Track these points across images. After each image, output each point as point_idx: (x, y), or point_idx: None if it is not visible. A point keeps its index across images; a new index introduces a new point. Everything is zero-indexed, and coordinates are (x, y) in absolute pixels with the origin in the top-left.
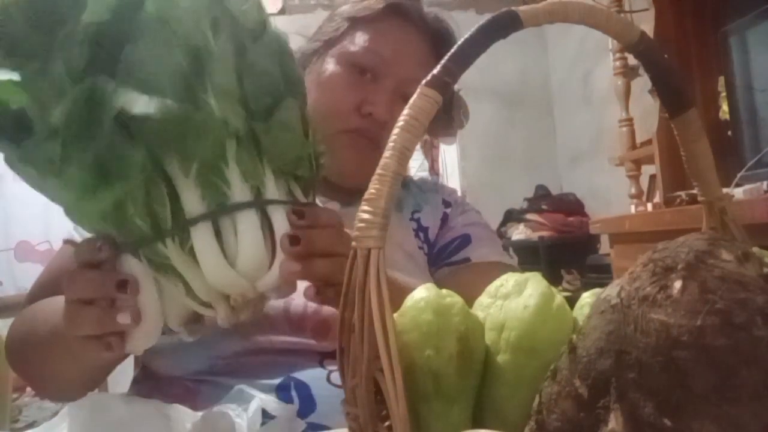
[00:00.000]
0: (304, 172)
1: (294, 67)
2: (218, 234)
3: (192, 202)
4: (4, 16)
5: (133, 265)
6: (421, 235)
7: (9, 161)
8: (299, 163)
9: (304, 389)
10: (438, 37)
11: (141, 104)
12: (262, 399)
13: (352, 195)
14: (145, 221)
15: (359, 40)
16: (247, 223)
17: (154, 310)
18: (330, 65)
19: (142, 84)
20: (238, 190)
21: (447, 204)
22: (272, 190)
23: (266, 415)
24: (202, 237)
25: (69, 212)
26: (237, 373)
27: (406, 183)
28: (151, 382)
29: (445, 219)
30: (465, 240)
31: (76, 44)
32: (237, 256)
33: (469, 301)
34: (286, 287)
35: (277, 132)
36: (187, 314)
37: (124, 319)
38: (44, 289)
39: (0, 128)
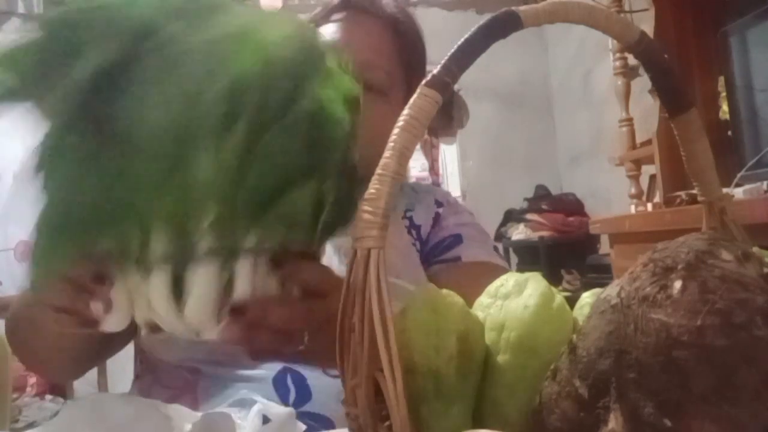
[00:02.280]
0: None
1: (335, 135)
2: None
3: (157, 242)
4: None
5: None
6: (414, 232)
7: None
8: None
9: (299, 379)
10: (395, 23)
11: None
12: (263, 404)
13: None
14: (113, 239)
15: None
16: (203, 279)
17: (125, 301)
18: None
19: (133, 125)
20: (209, 244)
21: (439, 204)
22: (252, 244)
23: (267, 421)
24: (157, 278)
25: None
26: (235, 363)
27: (401, 185)
28: (152, 376)
29: (437, 218)
30: (456, 239)
31: (72, 86)
32: (185, 306)
33: None
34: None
35: (273, 225)
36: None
37: (96, 308)
38: None
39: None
